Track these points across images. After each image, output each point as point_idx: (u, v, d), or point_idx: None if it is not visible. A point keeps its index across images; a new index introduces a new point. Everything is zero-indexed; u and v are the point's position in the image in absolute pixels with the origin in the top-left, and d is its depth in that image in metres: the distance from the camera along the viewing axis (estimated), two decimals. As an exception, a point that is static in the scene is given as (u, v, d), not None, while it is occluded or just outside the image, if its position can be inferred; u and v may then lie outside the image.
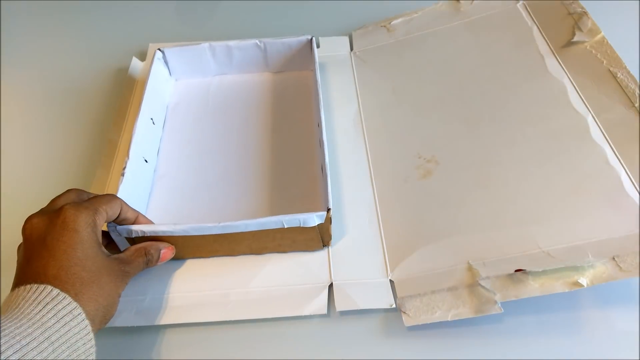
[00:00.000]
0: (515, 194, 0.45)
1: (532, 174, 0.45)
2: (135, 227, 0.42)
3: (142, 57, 0.66)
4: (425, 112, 0.54)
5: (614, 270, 0.36)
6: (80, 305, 0.34)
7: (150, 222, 0.44)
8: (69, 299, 0.34)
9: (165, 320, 0.43)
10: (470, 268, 0.41)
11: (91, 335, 0.35)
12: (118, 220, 0.42)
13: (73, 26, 0.72)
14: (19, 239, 0.49)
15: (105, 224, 0.42)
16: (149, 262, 0.43)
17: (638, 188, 0.41)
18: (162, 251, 0.44)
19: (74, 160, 0.56)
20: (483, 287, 0.39)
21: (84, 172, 0.54)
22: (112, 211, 0.40)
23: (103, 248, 0.39)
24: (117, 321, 0.42)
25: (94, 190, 0.52)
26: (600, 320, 0.40)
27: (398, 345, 0.41)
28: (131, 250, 0.42)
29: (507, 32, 0.57)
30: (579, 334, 0.40)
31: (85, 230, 0.37)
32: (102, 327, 0.37)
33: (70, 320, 0.34)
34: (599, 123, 0.45)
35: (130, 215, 0.42)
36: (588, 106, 0.47)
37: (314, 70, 0.56)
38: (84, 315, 0.34)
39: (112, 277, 0.38)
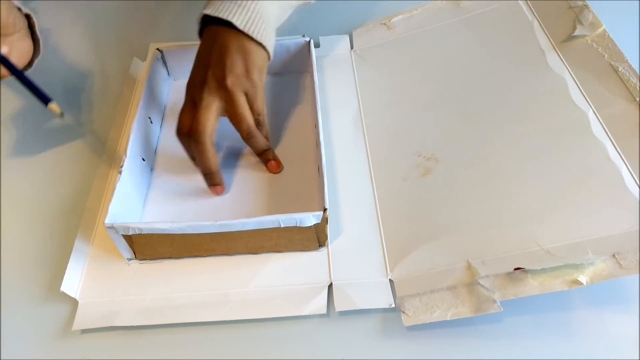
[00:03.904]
0: (515, 192, 0.44)
1: (532, 170, 0.45)
2: (132, 225, 0.42)
3: (144, 57, 0.66)
4: (425, 110, 0.53)
5: (614, 267, 0.36)
6: None
7: None
8: None
9: (165, 319, 0.43)
10: (469, 267, 0.41)
11: None
12: None
13: (74, 26, 0.72)
14: (19, 238, 0.50)
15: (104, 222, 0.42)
16: None
17: (639, 184, 0.40)
18: None
19: (75, 159, 0.56)
20: (482, 285, 0.39)
21: (85, 170, 0.54)
22: None
23: None
24: (118, 320, 0.42)
25: (95, 188, 0.52)
26: (598, 321, 0.40)
27: (397, 345, 0.41)
28: None
29: (508, 28, 0.56)
30: (577, 335, 0.40)
31: None
32: None
33: None
34: (600, 118, 0.45)
35: None
36: (589, 101, 0.46)
37: (311, 72, 0.56)
38: None
39: None
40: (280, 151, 0.54)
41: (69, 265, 0.46)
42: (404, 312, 0.40)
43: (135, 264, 0.47)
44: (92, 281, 0.46)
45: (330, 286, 0.44)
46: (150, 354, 0.42)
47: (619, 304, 0.41)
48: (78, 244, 0.48)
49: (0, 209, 0.52)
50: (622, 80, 0.45)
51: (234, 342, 0.42)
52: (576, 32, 0.50)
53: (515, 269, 0.38)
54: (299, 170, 0.52)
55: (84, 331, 0.43)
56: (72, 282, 0.45)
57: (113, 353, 0.42)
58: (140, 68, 0.64)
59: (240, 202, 0.50)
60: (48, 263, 0.48)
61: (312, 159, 0.53)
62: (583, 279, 0.36)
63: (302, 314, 0.42)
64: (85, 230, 0.49)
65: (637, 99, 0.43)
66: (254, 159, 0.53)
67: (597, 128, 0.44)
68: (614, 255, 0.36)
